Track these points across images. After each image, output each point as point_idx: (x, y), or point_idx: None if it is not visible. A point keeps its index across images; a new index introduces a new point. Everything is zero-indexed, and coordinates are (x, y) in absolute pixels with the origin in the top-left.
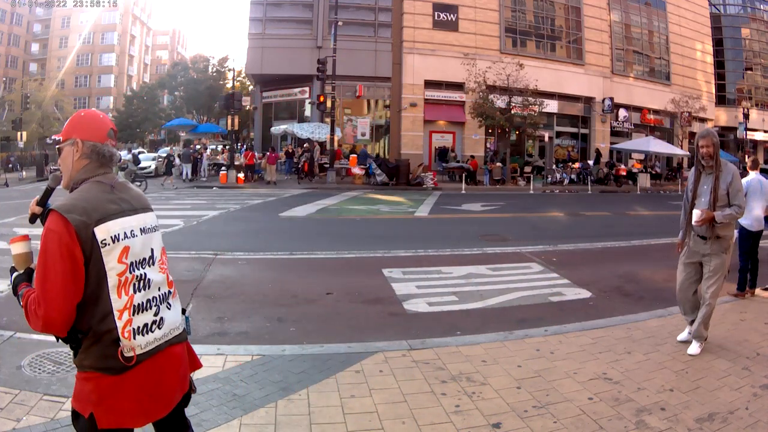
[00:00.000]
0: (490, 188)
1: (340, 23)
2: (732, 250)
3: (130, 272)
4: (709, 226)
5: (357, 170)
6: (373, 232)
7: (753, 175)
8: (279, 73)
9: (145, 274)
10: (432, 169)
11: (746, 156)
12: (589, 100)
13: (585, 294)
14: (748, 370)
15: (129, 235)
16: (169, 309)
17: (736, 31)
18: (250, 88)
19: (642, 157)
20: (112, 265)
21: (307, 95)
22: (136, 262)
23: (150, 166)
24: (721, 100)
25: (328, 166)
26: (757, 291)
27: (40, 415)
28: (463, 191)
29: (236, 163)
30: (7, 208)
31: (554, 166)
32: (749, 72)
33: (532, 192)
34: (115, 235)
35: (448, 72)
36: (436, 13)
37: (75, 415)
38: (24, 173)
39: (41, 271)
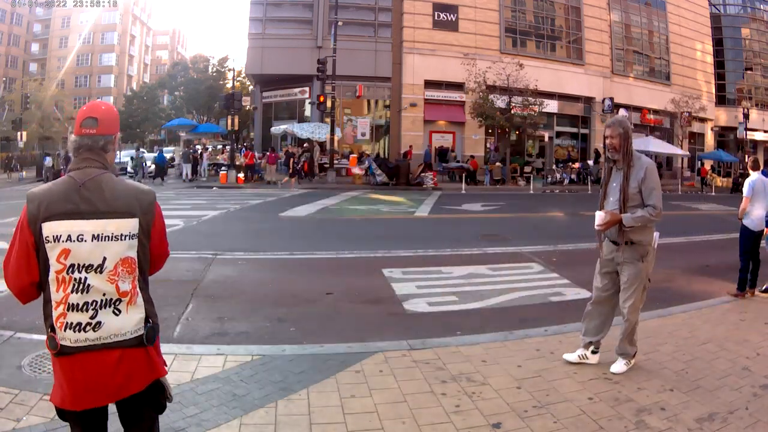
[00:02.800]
0: (490, 188)
1: (340, 23)
2: (653, 257)
3: (68, 273)
4: (619, 230)
5: (357, 170)
6: (374, 232)
7: (755, 175)
8: (279, 73)
9: (85, 278)
10: (432, 169)
11: (746, 156)
12: (589, 100)
13: (585, 294)
14: (748, 370)
15: (75, 239)
16: (116, 315)
17: (736, 31)
18: (250, 88)
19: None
20: (52, 262)
21: (307, 95)
22: (78, 265)
23: (150, 166)
24: (721, 100)
25: (328, 165)
26: (756, 292)
27: (40, 415)
28: (463, 191)
29: (236, 163)
30: (8, 208)
31: (554, 166)
32: (749, 72)
33: (532, 192)
34: (57, 236)
35: (448, 72)
36: (436, 13)
37: None
38: (24, 173)
39: (10, 245)
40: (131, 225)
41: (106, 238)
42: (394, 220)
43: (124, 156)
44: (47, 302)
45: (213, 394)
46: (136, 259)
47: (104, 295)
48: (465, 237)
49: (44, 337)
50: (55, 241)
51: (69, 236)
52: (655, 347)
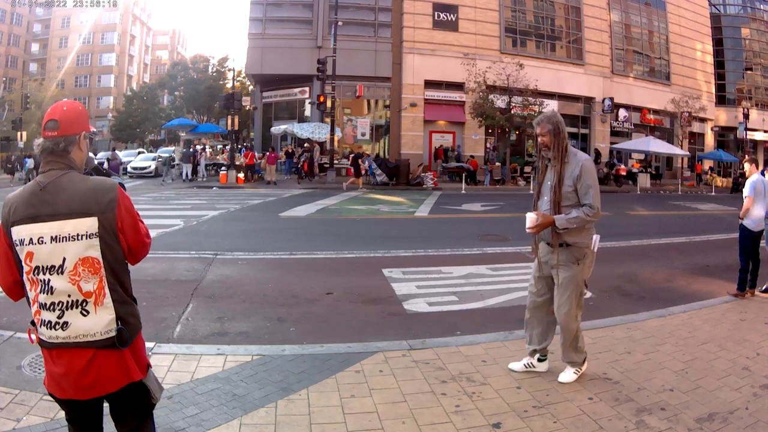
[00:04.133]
0: (490, 188)
1: (340, 23)
2: (591, 262)
3: (34, 275)
4: (552, 231)
5: None
6: (374, 232)
7: (756, 175)
8: (279, 73)
9: (48, 280)
10: (432, 169)
11: (746, 156)
12: (589, 100)
13: (585, 294)
14: (748, 370)
15: (36, 241)
16: (84, 315)
17: (736, 31)
18: (250, 88)
19: (642, 157)
20: (23, 264)
21: (307, 95)
22: (41, 267)
23: (150, 167)
24: (721, 100)
25: (328, 166)
26: (756, 292)
27: (40, 415)
28: (463, 191)
29: (236, 163)
30: None
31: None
32: (749, 72)
33: (532, 192)
34: (21, 239)
35: (448, 72)
36: (436, 13)
37: None
38: (24, 173)
39: None
40: (88, 224)
41: (64, 239)
42: (394, 220)
43: (125, 156)
44: (28, 299)
45: (213, 394)
46: (100, 259)
47: (69, 296)
48: (465, 237)
49: None
50: (21, 245)
51: (31, 239)
52: (655, 347)
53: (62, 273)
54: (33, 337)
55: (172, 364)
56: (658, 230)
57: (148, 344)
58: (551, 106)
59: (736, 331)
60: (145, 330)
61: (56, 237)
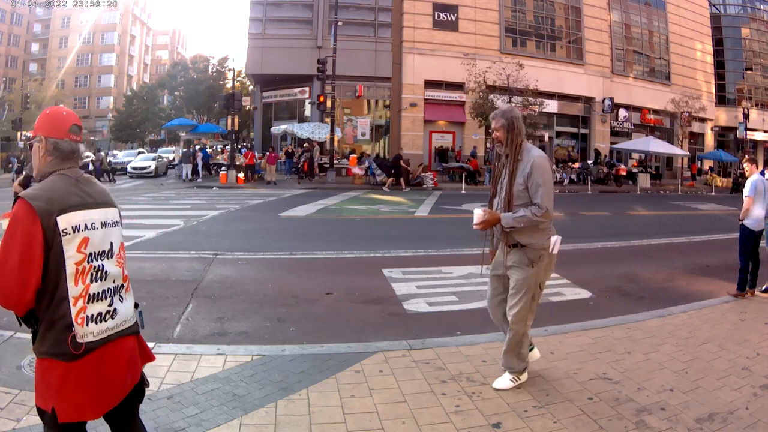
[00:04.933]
0: (490, 188)
1: (340, 23)
2: (548, 264)
3: (88, 262)
4: (502, 231)
5: (357, 170)
6: (373, 232)
7: (756, 175)
8: (279, 73)
9: (102, 265)
10: (432, 169)
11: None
12: (589, 100)
13: (585, 294)
14: (748, 370)
15: (89, 227)
16: (121, 302)
17: (736, 31)
18: (250, 88)
19: (642, 157)
20: (71, 254)
21: (307, 95)
22: (94, 253)
23: (150, 167)
24: (721, 100)
25: (328, 166)
26: (756, 291)
27: None
28: (463, 191)
29: (236, 163)
30: (7, 208)
31: (554, 166)
32: (749, 72)
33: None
34: (75, 226)
35: (448, 72)
36: (436, 13)
37: (40, 413)
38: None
39: (1, 252)
40: (117, 213)
41: (110, 225)
42: (394, 220)
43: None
44: (58, 304)
45: (213, 394)
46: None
47: (114, 281)
48: (465, 237)
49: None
50: (74, 232)
51: (85, 225)
52: (655, 347)
53: (111, 257)
54: (74, 344)
55: (172, 364)
56: (658, 230)
57: (149, 344)
58: (551, 106)
59: (736, 331)
60: (145, 330)
61: (105, 222)
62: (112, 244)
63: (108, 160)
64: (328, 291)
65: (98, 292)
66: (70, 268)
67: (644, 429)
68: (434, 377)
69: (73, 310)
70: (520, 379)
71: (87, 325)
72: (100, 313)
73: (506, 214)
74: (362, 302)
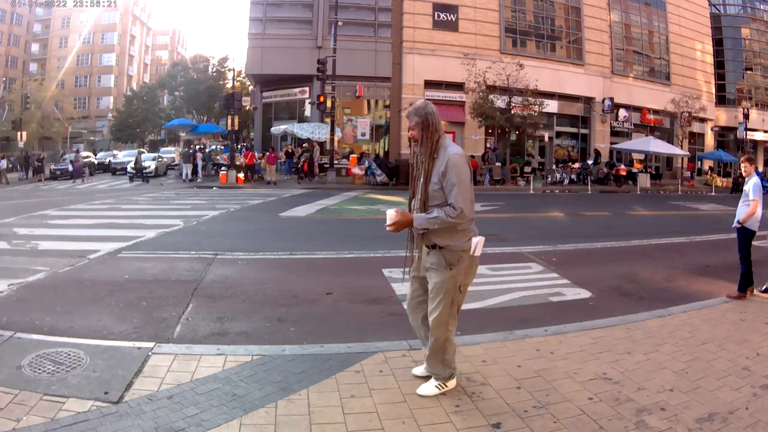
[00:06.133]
0: (490, 188)
1: (340, 23)
2: (469, 267)
3: None
4: (417, 232)
5: (357, 170)
6: (374, 232)
7: (755, 176)
8: (279, 73)
9: None
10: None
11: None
12: (589, 100)
13: (585, 294)
14: (748, 370)
15: None
16: None
17: (736, 31)
18: (250, 88)
19: (642, 157)
20: None
21: (307, 95)
22: None
23: (150, 167)
24: (721, 100)
25: (328, 166)
26: (756, 291)
27: (40, 415)
28: None
29: (236, 163)
30: (7, 208)
31: (554, 166)
32: (749, 72)
33: (532, 192)
34: None
35: (448, 72)
36: (436, 13)
37: None
38: (24, 173)
39: None
40: None
41: None
42: None
43: (125, 156)
44: None
45: (213, 394)
46: None
47: None
48: None
49: (44, 338)
50: None
51: None
52: (655, 347)
53: None
54: None
55: (172, 364)
56: (658, 230)
57: (148, 344)
58: (551, 106)
59: (736, 331)
60: (145, 330)
61: None
62: None
63: (88, 160)
64: (328, 291)
65: None
66: None
67: (644, 429)
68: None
69: None
70: (446, 386)
71: None
72: None
73: (419, 215)
74: (362, 302)
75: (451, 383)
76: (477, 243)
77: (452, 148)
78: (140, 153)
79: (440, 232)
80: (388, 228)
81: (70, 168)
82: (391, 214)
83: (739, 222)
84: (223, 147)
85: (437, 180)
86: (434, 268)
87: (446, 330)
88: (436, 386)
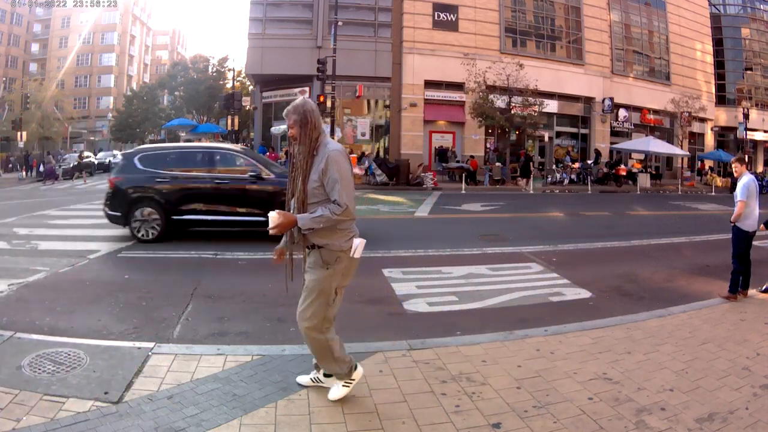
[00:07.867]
0: (490, 188)
1: (340, 23)
2: (347, 267)
3: None
4: (299, 232)
5: (357, 170)
6: (374, 232)
7: (748, 176)
8: (279, 73)
9: None
10: (432, 169)
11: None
12: (589, 100)
13: (585, 294)
14: (748, 370)
15: None
16: None
17: (736, 31)
18: (250, 88)
19: (642, 157)
20: None
21: (307, 95)
22: None
23: None
24: (721, 100)
25: None
26: (754, 292)
27: (40, 415)
28: (463, 191)
29: None
30: (7, 208)
31: (554, 166)
32: (749, 72)
33: (532, 192)
34: None
35: (448, 72)
36: (436, 13)
37: None
38: (24, 173)
39: None
40: None
41: None
42: (394, 220)
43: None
44: None
45: (213, 394)
46: None
47: None
48: (465, 237)
49: (44, 338)
50: None
51: None
52: (655, 347)
53: None
54: None
55: (172, 364)
56: (658, 230)
57: (148, 344)
58: (551, 106)
59: (736, 331)
60: (145, 330)
61: None
62: None
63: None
64: None
65: None
66: None
67: (644, 429)
68: (434, 377)
69: None
70: (352, 380)
71: None
72: None
73: (303, 215)
74: (362, 302)
75: (357, 374)
76: (358, 245)
77: (332, 144)
78: (48, 154)
79: (320, 231)
80: (271, 231)
81: (42, 168)
82: (273, 216)
83: (730, 221)
84: None
85: (317, 177)
86: (311, 267)
87: (319, 332)
88: (343, 385)
